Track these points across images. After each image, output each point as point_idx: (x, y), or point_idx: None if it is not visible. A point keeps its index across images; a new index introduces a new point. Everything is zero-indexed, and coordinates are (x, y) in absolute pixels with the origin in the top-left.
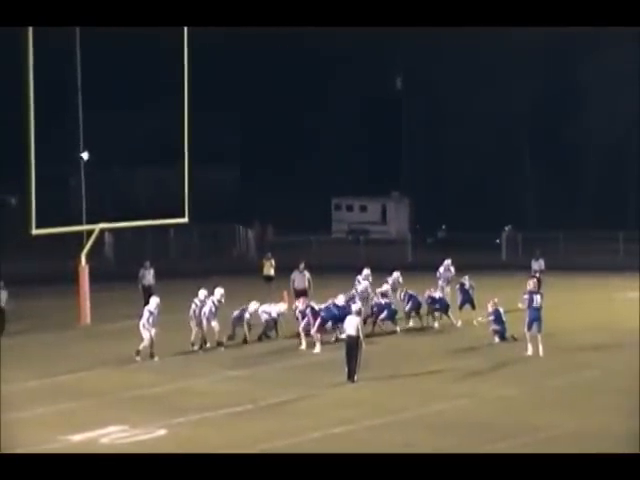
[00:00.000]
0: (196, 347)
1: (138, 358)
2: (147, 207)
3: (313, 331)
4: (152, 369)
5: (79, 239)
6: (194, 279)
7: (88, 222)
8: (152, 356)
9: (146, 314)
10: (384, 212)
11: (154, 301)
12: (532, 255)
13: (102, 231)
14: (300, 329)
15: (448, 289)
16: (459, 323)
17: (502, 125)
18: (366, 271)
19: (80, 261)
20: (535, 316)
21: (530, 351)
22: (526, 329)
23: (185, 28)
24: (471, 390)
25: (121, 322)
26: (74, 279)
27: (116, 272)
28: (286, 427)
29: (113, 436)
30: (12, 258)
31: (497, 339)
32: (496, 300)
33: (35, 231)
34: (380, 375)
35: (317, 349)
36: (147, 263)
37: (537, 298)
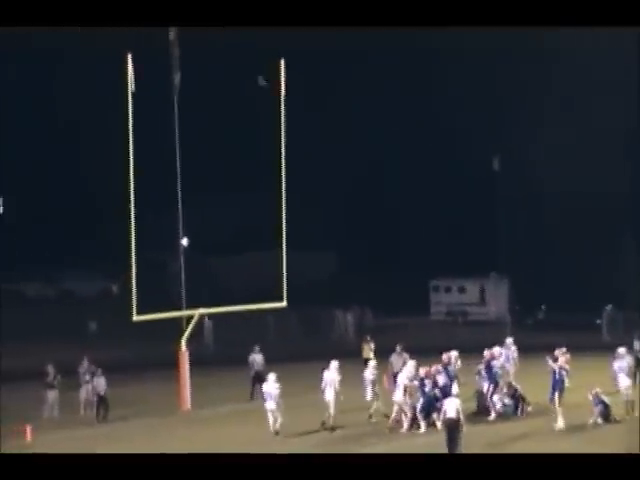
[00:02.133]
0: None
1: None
2: (245, 291)
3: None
4: None
5: (179, 324)
6: (294, 363)
7: (187, 307)
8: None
9: (274, 392)
10: (483, 293)
11: (272, 377)
12: (634, 335)
13: (201, 316)
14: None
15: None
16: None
17: (601, 203)
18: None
19: (180, 346)
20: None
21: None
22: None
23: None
24: None
25: (221, 407)
26: (175, 364)
27: (215, 356)
28: None
29: None
30: (113, 345)
31: (600, 420)
32: (597, 390)
33: (136, 317)
34: None
35: (422, 428)
36: (257, 347)
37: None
